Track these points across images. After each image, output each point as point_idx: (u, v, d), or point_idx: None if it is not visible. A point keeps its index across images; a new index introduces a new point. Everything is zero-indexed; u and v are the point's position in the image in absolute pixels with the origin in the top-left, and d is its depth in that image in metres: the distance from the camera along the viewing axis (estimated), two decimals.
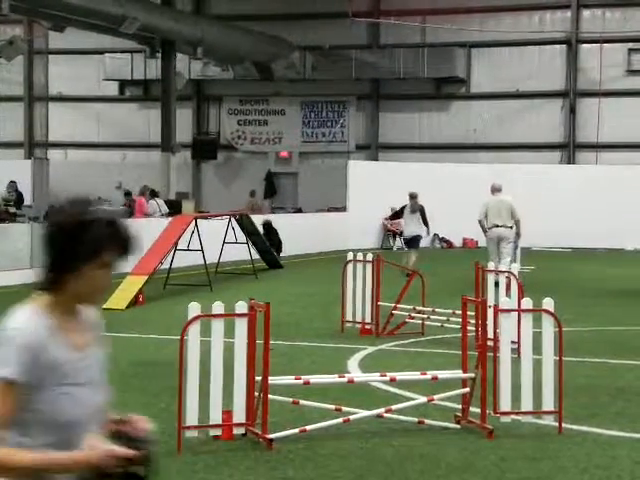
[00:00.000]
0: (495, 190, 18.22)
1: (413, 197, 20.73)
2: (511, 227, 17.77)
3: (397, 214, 21.98)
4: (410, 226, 20.80)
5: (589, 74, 35.27)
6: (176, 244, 17.37)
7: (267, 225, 24.44)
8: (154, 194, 27.14)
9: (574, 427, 7.31)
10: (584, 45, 35.39)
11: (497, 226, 17.73)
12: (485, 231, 18.07)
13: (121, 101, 40.42)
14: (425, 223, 20.59)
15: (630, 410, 8.08)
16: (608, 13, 35.35)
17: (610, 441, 7.02)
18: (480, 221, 18.05)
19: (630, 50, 34.82)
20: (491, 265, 16.95)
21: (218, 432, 6.84)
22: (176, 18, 31.13)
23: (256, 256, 21.81)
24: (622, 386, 9.14)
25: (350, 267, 12.52)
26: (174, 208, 25.48)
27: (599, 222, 30.20)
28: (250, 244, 21.30)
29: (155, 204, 26.33)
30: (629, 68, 34.85)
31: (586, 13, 35.57)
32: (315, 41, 36.81)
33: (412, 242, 20.77)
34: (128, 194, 31.37)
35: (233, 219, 20.61)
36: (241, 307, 6.93)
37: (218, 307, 6.89)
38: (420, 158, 34.50)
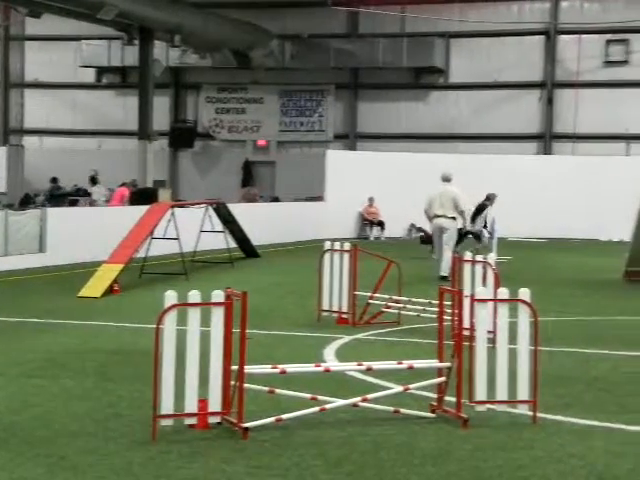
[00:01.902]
0: (443, 179, 18.08)
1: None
2: (453, 218, 17.68)
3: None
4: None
5: (567, 65, 35.40)
6: (152, 232, 17.29)
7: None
8: (94, 181, 27.13)
9: (549, 417, 7.34)
10: (562, 36, 35.52)
11: (438, 216, 17.69)
12: (430, 221, 18.08)
13: (98, 88, 40.19)
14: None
15: (605, 400, 8.13)
16: (586, 4, 35.48)
17: (584, 431, 7.06)
18: (425, 211, 18.03)
19: (608, 41, 34.98)
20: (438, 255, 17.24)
21: (193, 421, 6.82)
22: (154, 5, 30.97)
23: (233, 245, 21.77)
24: (597, 376, 9.19)
25: (327, 256, 12.52)
26: (150, 196, 25.39)
27: (575, 213, 30.35)
28: (227, 232, 21.27)
29: (98, 191, 26.35)
30: (607, 59, 35.01)
31: (564, 4, 35.68)
32: (294, 29, 36.75)
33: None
34: (94, 180, 31.42)
35: (210, 207, 20.55)
36: (217, 296, 6.91)
37: (194, 296, 6.87)
38: (398, 148, 34.54)
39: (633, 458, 6.35)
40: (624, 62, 34.79)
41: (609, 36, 34.91)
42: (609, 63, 35.02)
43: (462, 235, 19.86)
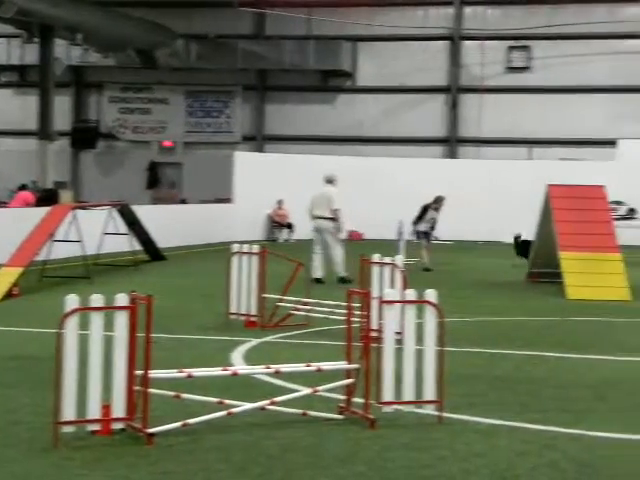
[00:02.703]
0: (325, 181, 18.09)
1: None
2: (331, 219, 17.70)
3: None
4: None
5: (471, 70, 35.99)
6: (53, 235, 16.93)
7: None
8: None
9: (454, 416, 7.41)
10: (466, 42, 36.09)
11: (316, 217, 17.77)
12: (312, 221, 18.10)
13: None
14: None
15: (508, 399, 8.25)
16: (489, 11, 36.13)
17: (489, 430, 7.14)
18: (308, 211, 18.05)
19: (510, 48, 35.65)
20: (316, 258, 17.33)
21: (96, 427, 6.69)
22: (55, 2, 30.41)
23: (138, 247, 21.50)
24: (500, 375, 9.33)
25: (235, 259, 12.43)
26: (51, 198, 24.92)
27: (480, 215, 30.82)
28: (131, 235, 20.99)
29: None
30: (509, 65, 35.70)
31: (468, 10, 36.27)
32: (200, 30, 36.54)
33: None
34: None
35: (114, 209, 20.25)
36: (121, 299, 6.78)
37: (97, 299, 6.73)
38: (307, 150, 34.64)
39: (535, 456, 6.44)
40: (525, 68, 35.50)
41: (511, 42, 35.58)
42: (511, 69, 35.69)
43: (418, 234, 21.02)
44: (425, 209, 21.45)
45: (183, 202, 35.12)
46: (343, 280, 16.91)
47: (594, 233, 17.24)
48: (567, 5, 34.76)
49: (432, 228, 21.46)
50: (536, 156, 34.60)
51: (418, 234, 21.39)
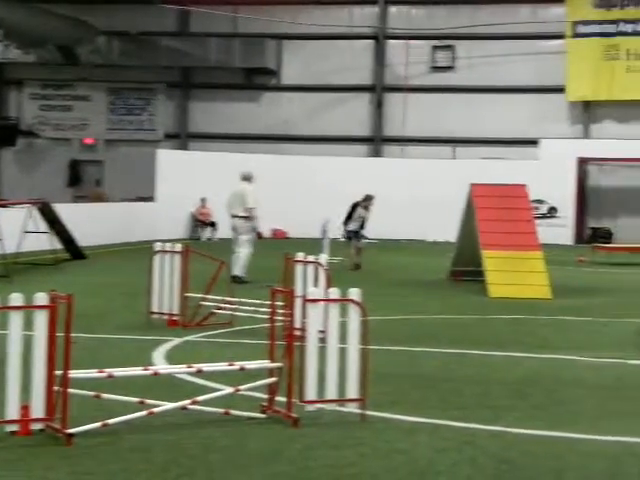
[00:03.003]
0: (241, 178, 17.78)
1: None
2: (245, 217, 17.49)
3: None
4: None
5: (395, 69, 36.21)
6: None
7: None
8: None
9: (377, 414, 7.44)
10: (391, 41, 36.29)
11: (233, 216, 17.63)
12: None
13: None
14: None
15: (430, 397, 8.31)
16: (413, 10, 36.40)
17: (411, 427, 7.19)
18: (227, 210, 17.82)
19: (434, 47, 35.96)
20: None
21: (15, 428, 6.57)
22: None
23: (59, 246, 21.19)
24: (423, 373, 9.40)
25: (158, 257, 12.32)
26: None
27: (403, 214, 31.05)
28: (52, 233, 20.67)
29: None
30: (433, 65, 36.00)
31: (393, 10, 36.48)
32: (122, 26, 36.12)
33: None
34: None
35: (34, 207, 19.92)
36: (41, 299, 6.67)
37: (16, 299, 6.61)
38: (231, 148, 34.50)
39: (455, 453, 6.50)
40: (450, 68, 35.86)
41: (435, 42, 35.91)
42: (436, 68, 36.02)
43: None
44: (354, 207, 21.40)
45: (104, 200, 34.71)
46: (236, 279, 16.40)
47: (516, 232, 17.49)
48: (491, 5, 35.19)
49: (362, 227, 21.37)
50: (460, 155, 34.99)
51: (348, 233, 21.31)
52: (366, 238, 21.70)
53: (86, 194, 33.95)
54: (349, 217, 21.31)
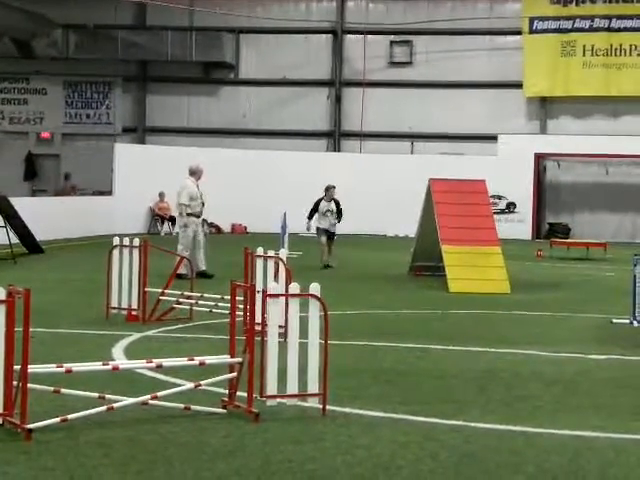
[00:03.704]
0: (188, 172, 17.48)
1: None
2: (179, 213, 17.34)
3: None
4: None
5: (354, 64, 36.21)
6: None
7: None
8: None
9: (338, 409, 7.44)
10: (349, 35, 36.29)
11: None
12: None
13: None
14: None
15: (391, 391, 8.33)
16: (371, 5, 36.41)
17: (372, 422, 7.20)
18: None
19: (392, 42, 36.01)
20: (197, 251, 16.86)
21: None
22: None
23: (15, 240, 20.96)
24: (383, 368, 9.42)
25: (116, 252, 12.23)
26: None
27: (363, 209, 31.08)
28: (8, 227, 20.44)
29: None
30: (391, 60, 36.05)
31: (350, 4, 36.48)
32: (79, 19, 35.76)
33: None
34: None
35: None
36: None
37: None
38: (189, 142, 34.33)
39: (416, 447, 6.52)
40: (408, 63, 35.93)
41: (392, 37, 35.96)
42: (393, 64, 36.08)
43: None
44: (317, 203, 20.51)
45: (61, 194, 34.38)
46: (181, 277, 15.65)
47: (475, 227, 17.58)
48: (449, 1, 35.33)
49: (335, 221, 20.49)
50: (418, 150, 35.09)
51: (318, 230, 20.44)
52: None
53: (61, 188, 33.76)
54: (313, 211, 20.45)
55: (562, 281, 18.82)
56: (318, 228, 20.50)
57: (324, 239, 20.37)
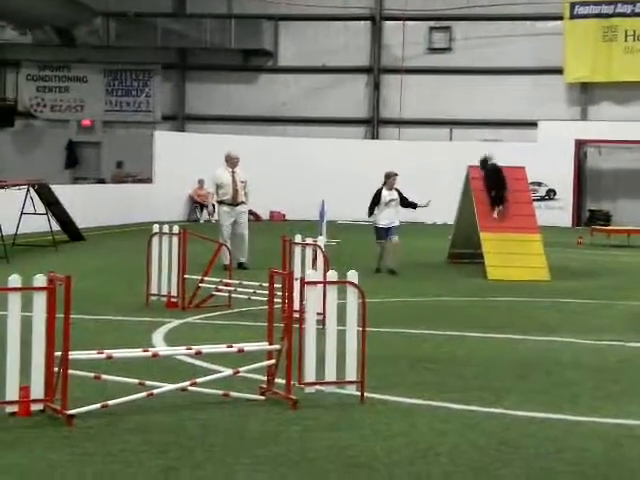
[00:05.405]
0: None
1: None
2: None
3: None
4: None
5: (392, 51, 36.06)
6: None
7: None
8: None
9: (376, 396, 7.45)
10: (388, 22, 36.12)
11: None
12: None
13: None
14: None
15: (428, 379, 8.32)
16: None
17: (409, 409, 7.20)
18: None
19: (431, 28, 35.82)
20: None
21: (15, 409, 6.57)
22: None
23: (57, 228, 21.16)
24: (420, 355, 9.40)
25: (156, 239, 12.31)
26: None
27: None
28: (50, 215, 20.63)
29: None
30: (430, 46, 35.86)
31: None
32: (119, 7, 35.93)
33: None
34: None
35: (32, 188, 19.87)
36: (39, 280, 6.66)
37: (15, 280, 6.60)
38: (228, 130, 34.39)
39: (455, 435, 6.51)
40: (447, 49, 35.73)
41: (432, 23, 35.76)
42: (433, 50, 35.89)
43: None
44: (378, 194, 17.31)
45: (101, 182, 34.63)
46: (241, 266, 16.07)
47: (514, 214, 17.47)
48: None
49: (398, 214, 17.42)
50: (457, 137, 34.89)
51: (377, 231, 17.25)
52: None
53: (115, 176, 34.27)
54: (373, 205, 17.19)
55: (602, 269, 18.66)
56: (377, 228, 17.25)
57: (384, 243, 17.18)
